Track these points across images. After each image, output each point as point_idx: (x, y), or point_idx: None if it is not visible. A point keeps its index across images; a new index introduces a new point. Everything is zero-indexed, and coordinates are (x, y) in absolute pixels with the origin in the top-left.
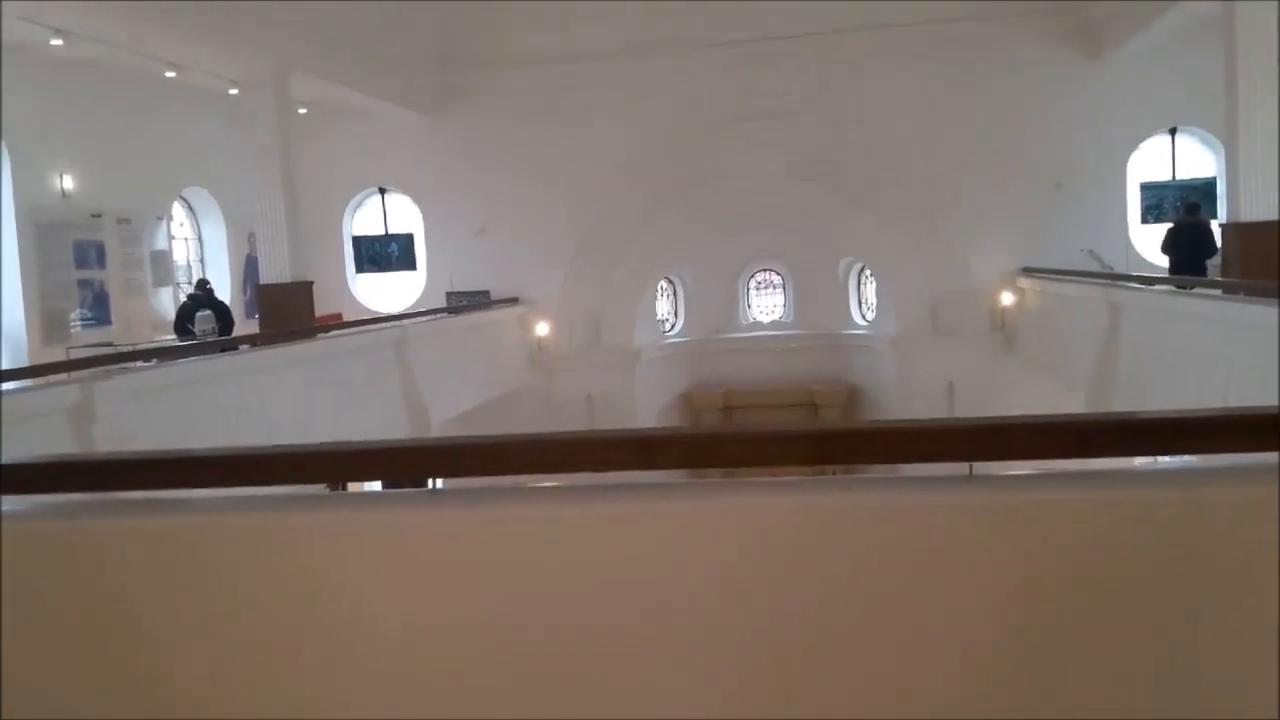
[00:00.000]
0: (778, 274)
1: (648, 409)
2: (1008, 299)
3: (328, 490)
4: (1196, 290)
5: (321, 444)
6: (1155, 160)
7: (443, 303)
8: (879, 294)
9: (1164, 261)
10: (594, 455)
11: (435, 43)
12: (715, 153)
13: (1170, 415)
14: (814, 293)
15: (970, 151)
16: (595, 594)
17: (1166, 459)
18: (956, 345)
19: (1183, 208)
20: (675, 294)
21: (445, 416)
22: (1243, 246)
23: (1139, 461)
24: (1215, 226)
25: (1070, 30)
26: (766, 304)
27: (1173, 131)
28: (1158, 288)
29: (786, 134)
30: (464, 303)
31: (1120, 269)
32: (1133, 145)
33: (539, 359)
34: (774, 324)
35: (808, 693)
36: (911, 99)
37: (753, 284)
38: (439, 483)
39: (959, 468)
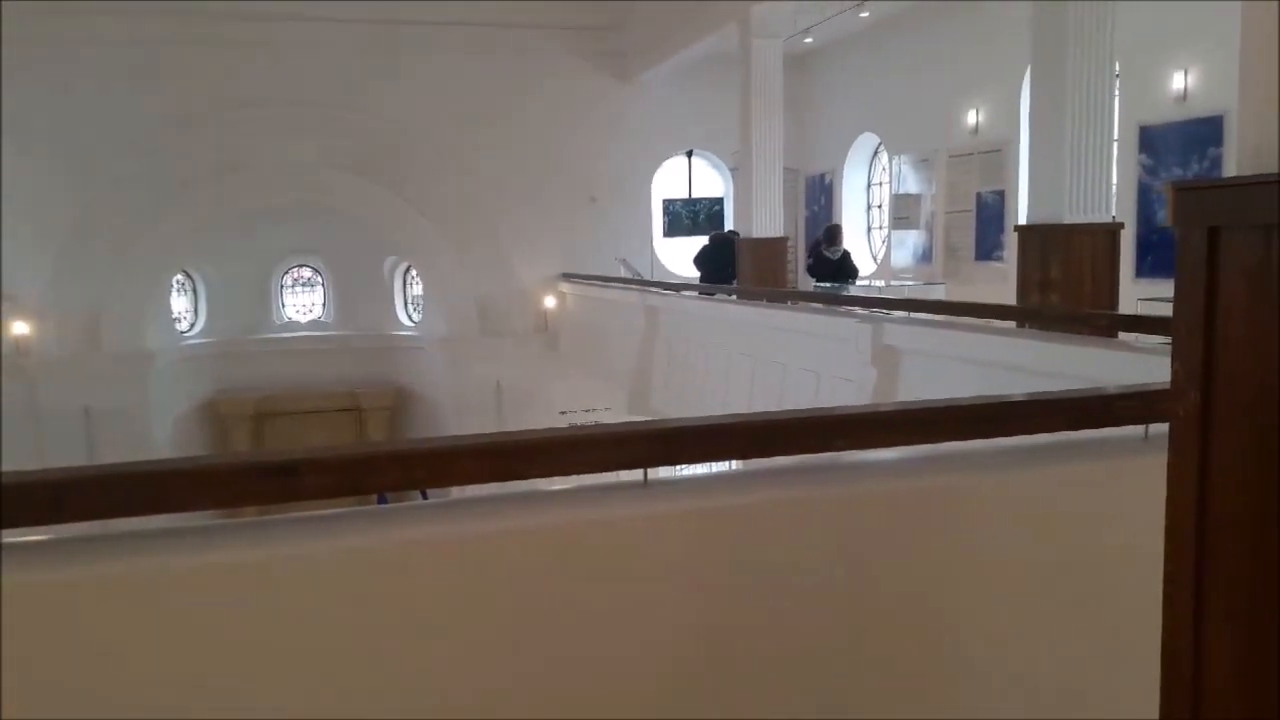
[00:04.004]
0: (316, 271)
1: (164, 420)
2: (550, 302)
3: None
4: (717, 297)
5: None
6: (674, 179)
7: None
8: (426, 295)
9: (693, 270)
10: (208, 488)
11: None
12: (244, 137)
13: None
14: (357, 292)
15: (516, 159)
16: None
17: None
18: (504, 346)
19: (715, 235)
20: (195, 289)
21: None
22: (755, 259)
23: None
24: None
25: (603, 53)
26: (303, 302)
27: (689, 154)
28: (685, 293)
29: (325, 123)
30: None
31: (647, 276)
32: (656, 164)
33: (19, 365)
34: (312, 324)
35: (485, 708)
36: (460, 101)
37: (287, 280)
38: None
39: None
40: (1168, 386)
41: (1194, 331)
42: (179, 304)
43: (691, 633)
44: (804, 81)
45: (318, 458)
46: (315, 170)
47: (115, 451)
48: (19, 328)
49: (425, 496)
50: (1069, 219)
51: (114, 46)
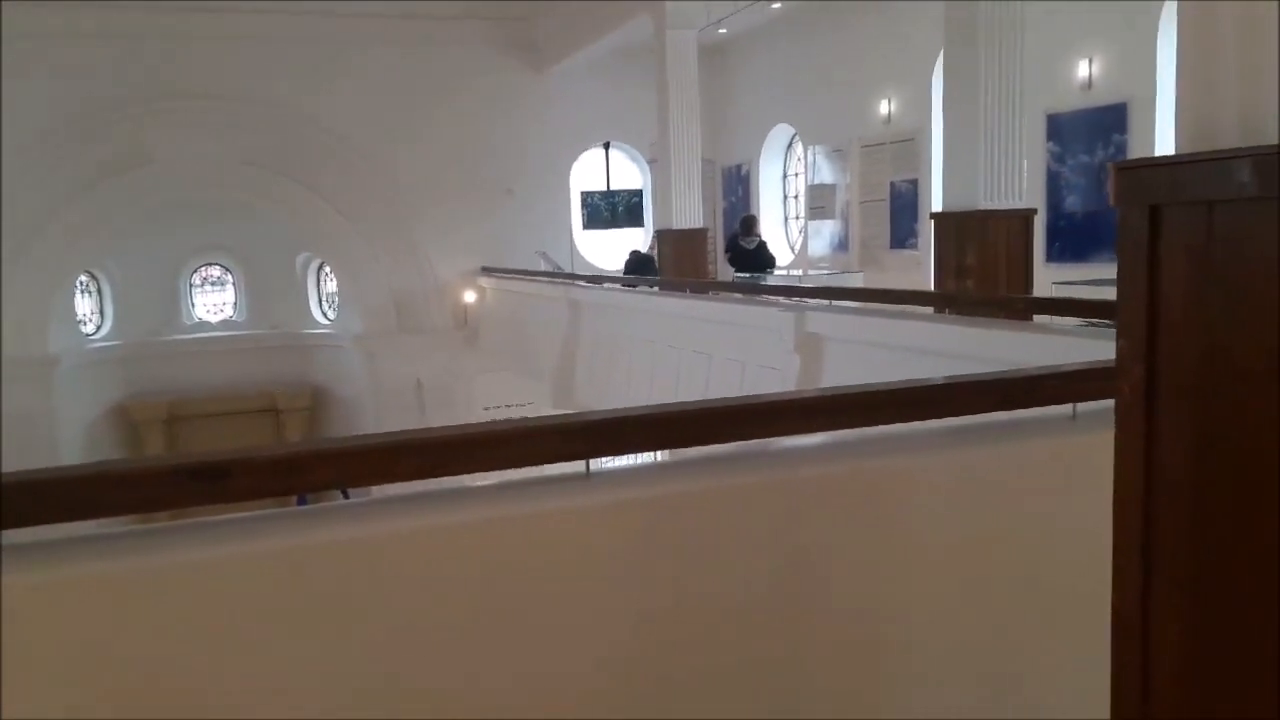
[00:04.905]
0: (225, 269)
1: (72, 426)
2: (470, 297)
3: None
4: (640, 289)
5: None
6: (593, 171)
7: None
8: (341, 291)
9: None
10: (138, 491)
11: None
12: (147, 131)
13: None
14: (269, 290)
15: (430, 151)
16: None
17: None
18: (423, 342)
19: (632, 254)
20: (100, 290)
21: None
22: (676, 251)
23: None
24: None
25: (517, 43)
26: (213, 301)
27: (606, 146)
28: (608, 286)
29: (231, 117)
30: None
31: (567, 268)
32: (574, 156)
33: None
34: (224, 323)
35: (435, 708)
36: (372, 93)
37: (196, 279)
38: None
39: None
40: (1093, 366)
41: (1137, 308)
42: (83, 305)
43: (640, 624)
44: (719, 73)
45: (249, 458)
46: (222, 165)
47: (21, 459)
48: None
49: (346, 496)
50: (984, 205)
51: (7, 37)
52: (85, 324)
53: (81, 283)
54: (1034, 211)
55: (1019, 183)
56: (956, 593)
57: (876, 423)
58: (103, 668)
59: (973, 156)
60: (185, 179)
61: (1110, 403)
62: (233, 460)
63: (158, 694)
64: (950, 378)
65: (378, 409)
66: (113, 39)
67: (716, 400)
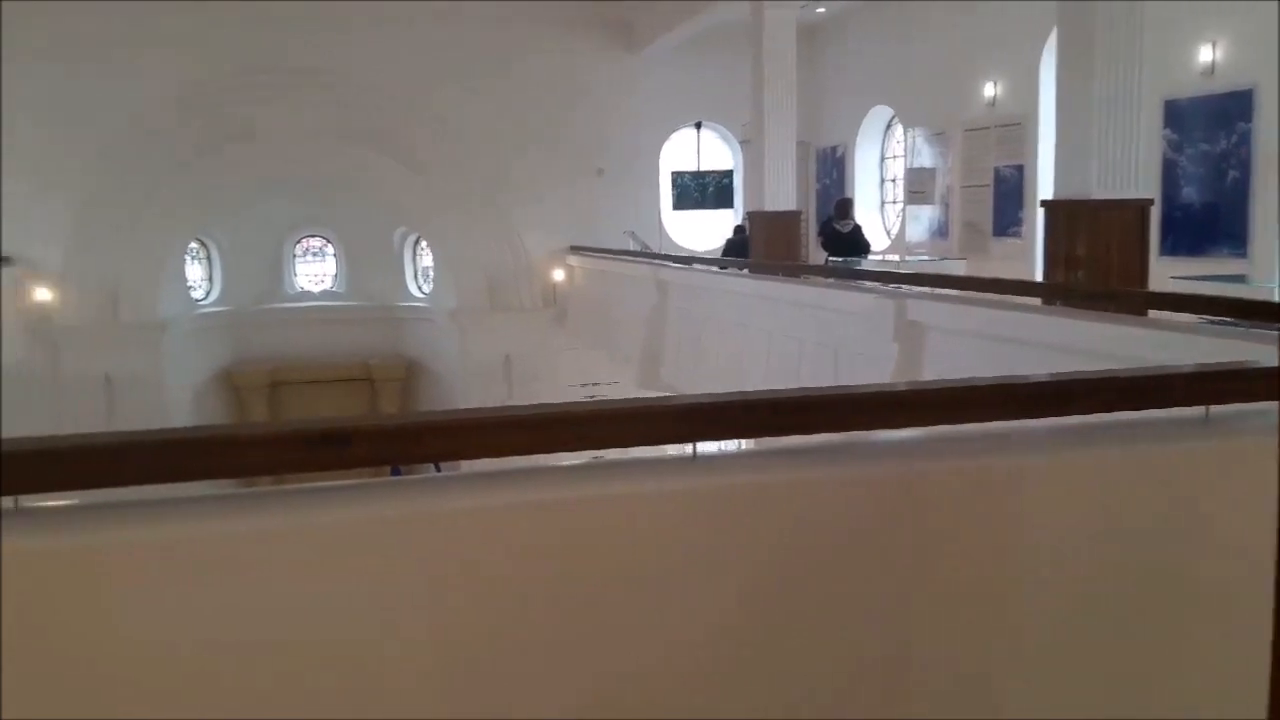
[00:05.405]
0: (326, 241)
1: (181, 390)
2: (559, 275)
3: None
4: (729, 270)
5: None
6: (683, 151)
7: None
8: (436, 267)
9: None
10: (253, 456)
11: None
12: (252, 106)
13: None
14: (367, 262)
15: (523, 131)
16: None
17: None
18: (513, 319)
19: (736, 230)
20: (210, 257)
21: None
22: (768, 233)
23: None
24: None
25: (608, 23)
26: (314, 272)
27: (698, 126)
28: (696, 267)
29: (334, 93)
30: None
31: (656, 248)
32: (664, 136)
33: (41, 331)
34: (325, 294)
35: (534, 695)
36: (468, 71)
37: (299, 250)
38: None
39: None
40: (1233, 366)
41: None
42: (194, 272)
43: (741, 611)
44: (816, 53)
45: (370, 427)
46: (325, 140)
47: (132, 420)
48: (41, 295)
49: (438, 469)
50: (1096, 194)
51: (112, 21)
52: (195, 289)
53: (192, 250)
54: (1150, 202)
55: (1134, 171)
56: (1075, 600)
57: (1005, 418)
58: (197, 627)
59: (1085, 143)
60: (288, 153)
61: (1249, 406)
62: (355, 429)
63: (255, 654)
64: (1071, 373)
65: (467, 383)
66: (224, 18)
67: (833, 388)
